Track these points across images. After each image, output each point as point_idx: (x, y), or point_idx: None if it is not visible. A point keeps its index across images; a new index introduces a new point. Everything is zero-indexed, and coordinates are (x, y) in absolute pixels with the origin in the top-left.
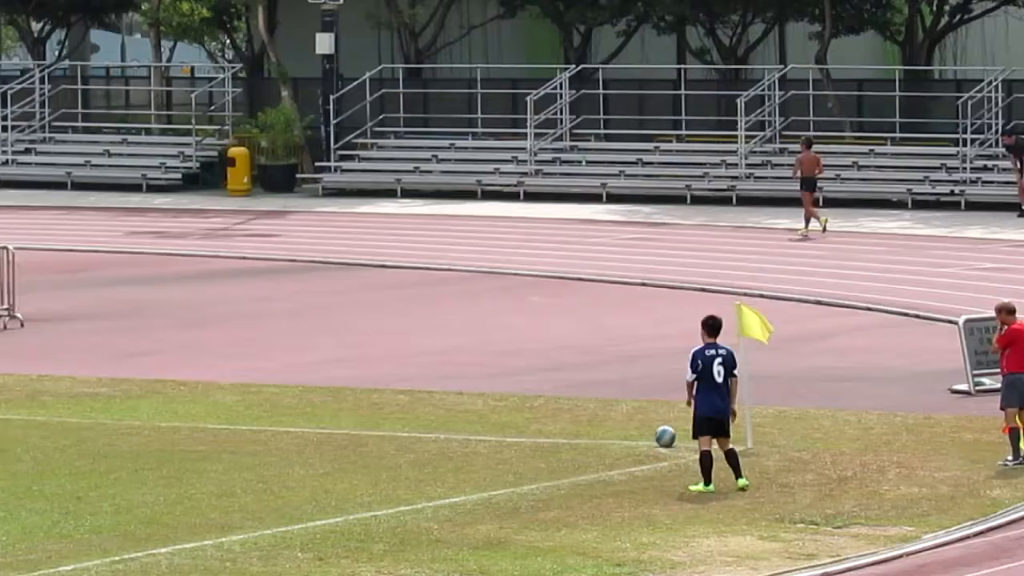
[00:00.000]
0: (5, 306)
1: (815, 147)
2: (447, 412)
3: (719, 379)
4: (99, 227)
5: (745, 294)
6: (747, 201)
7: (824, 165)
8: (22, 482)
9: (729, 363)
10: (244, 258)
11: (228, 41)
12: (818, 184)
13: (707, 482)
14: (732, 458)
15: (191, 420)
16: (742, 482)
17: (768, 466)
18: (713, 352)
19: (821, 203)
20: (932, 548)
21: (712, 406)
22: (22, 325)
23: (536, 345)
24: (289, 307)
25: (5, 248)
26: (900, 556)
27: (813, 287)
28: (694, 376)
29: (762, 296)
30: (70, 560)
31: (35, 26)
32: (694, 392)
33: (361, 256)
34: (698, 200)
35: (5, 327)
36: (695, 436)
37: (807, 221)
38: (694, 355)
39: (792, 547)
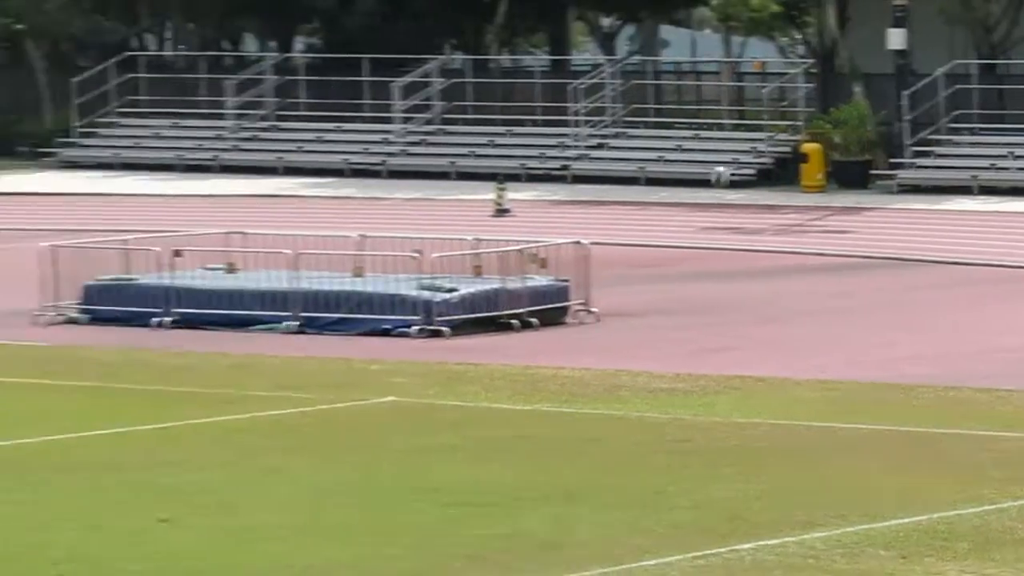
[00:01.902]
0: (581, 300)
1: None
2: None
3: None
4: (672, 222)
5: None
6: None
7: None
8: (598, 476)
9: None
10: (819, 254)
11: (799, 36)
12: None
13: None
14: None
15: (769, 416)
16: None
17: None
18: None
19: None
20: None
21: None
22: (598, 320)
23: None
24: (864, 303)
25: (579, 242)
26: None
27: None
28: None
29: None
30: (651, 555)
31: (605, 21)
32: None
33: (936, 253)
34: None
35: (581, 322)
36: None
37: None
38: None
39: None
